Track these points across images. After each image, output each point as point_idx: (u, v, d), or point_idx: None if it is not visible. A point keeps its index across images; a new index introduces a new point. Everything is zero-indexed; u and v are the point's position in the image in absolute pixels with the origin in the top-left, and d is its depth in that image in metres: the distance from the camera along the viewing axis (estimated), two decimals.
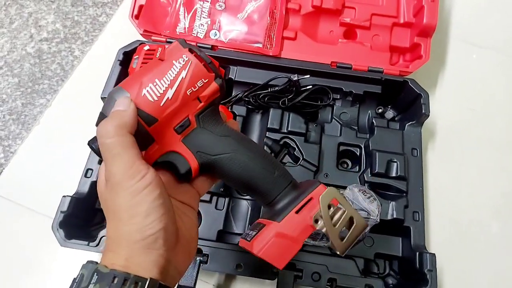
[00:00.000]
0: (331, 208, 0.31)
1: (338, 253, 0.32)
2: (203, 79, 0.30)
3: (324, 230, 0.31)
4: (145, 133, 0.30)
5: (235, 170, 0.33)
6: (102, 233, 0.52)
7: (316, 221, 0.31)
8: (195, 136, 0.32)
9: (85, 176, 0.57)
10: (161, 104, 0.29)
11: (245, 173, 0.33)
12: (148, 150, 0.31)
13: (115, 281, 0.27)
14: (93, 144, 0.31)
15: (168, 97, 0.29)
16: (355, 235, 0.32)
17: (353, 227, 0.32)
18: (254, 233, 0.32)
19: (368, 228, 0.51)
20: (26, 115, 0.72)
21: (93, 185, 0.57)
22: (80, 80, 0.73)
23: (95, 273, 0.27)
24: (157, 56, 0.60)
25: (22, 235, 0.61)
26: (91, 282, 0.27)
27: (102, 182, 0.32)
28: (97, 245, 0.51)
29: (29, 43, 0.79)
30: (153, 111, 0.29)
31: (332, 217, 0.31)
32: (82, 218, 0.56)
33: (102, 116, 0.31)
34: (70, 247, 0.51)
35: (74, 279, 0.29)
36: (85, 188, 0.56)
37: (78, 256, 0.57)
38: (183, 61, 0.30)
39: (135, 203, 0.28)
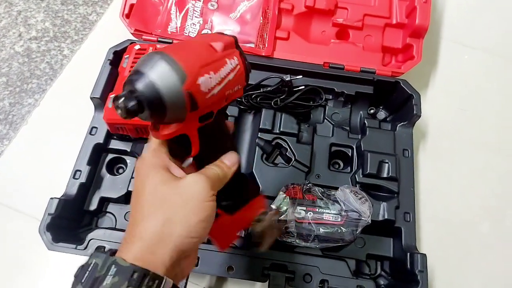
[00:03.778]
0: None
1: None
2: (239, 85, 0.33)
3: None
4: (183, 114, 0.30)
5: None
6: (90, 235, 0.51)
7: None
8: (207, 128, 0.33)
9: (74, 177, 0.56)
10: (207, 97, 0.30)
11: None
12: (171, 127, 0.31)
13: (134, 276, 0.26)
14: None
15: (214, 93, 0.30)
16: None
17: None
18: None
19: (360, 229, 0.51)
20: (14, 115, 0.70)
21: (82, 186, 0.56)
22: (69, 80, 0.72)
23: (113, 265, 0.27)
24: None
25: (9, 238, 0.60)
26: (109, 274, 0.27)
27: (161, 170, 0.32)
28: (85, 248, 0.50)
29: (18, 42, 0.77)
30: (199, 100, 0.29)
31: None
32: (71, 220, 0.55)
33: (138, 74, 0.28)
34: (58, 251, 0.50)
35: (83, 266, 0.28)
36: (74, 190, 0.55)
37: (68, 258, 0.56)
38: (234, 63, 0.32)
39: (203, 206, 0.31)
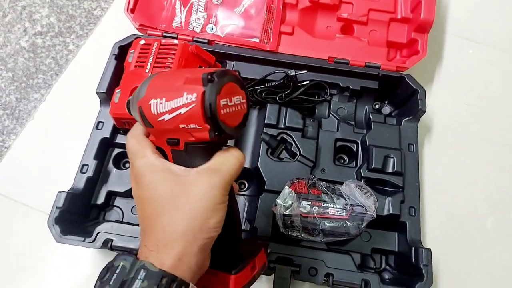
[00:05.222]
0: None
1: None
2: (196, 125, 0.30)
3: None
4: (145, 127, 0.34)
5: None
6: (98, 229, 0.52)
7: None
8: (180, 155, 0.33)
9: (81, 171, 0.56)
10: (158, 119, 0.31)
11: None
12: (150, 136, 0.35)
13: (163, 282, 0.27)
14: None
15: (164, 118, 0.31)
16: None
17: None
18: None
19: (365, 223, 0.51)
20: (21, 110, 0.71)
21: (89, 180, 0.56)
22: (75, 75, 0.73)
23: (142, 269, 0.27)
24: (153, 50, 0.59)
25: (17, 231, 0.61)
26: (138, 278, 0.27)
27: (166, 172, 0.32)
28: (93, 241, 0.51)
29: (23, 37, 0.77)
30: (149, 119, 0.32)
31: None
32: (78, 214, 0.55)
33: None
34: (66, 243, 0.50)
35: (109, 268, 0.29)
36: (81, 184, 0.55)
37: (74, 252, 0.57)
38: (190, 99, 0.30)
39: (218, 208, 0.30)
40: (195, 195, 0.30)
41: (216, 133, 0.31)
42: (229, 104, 0.31)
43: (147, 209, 0.31)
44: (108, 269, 0.28)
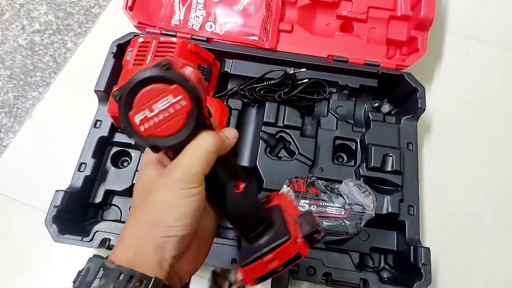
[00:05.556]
0: None
1: None
2: None
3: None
4: None
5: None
6: (96, 228, 0.52)
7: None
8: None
9: (79, 170, 0.56)
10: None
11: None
12: None
13: (121, 278, 0.27)
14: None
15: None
16: None
17: None
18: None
19: (364, 222, 0.51)
20: (18, 108, 0.71)
21: (87, 179, 0.56)
22: (73, 73, 0.72)
23: (101, 268, 0.27)
24: (151, 48, 0.58)
25: (15, 230, 0.61)
26: (97, 277, 0.27)
27: (151, 167, 0.32)
28: (91, 240, 0.51)
29: (21, 35, 0.77)
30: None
31: None
32: (76, 212, 0.55)
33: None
34: (64, 243, 0.50)
35: (80, 271, 0.29)
36: (79, 183, 0.55)
37: (73, 251, 0.57)
38: None
39: (177, 204, 0.29)
40: (156, 190, 0.30)
41: (154, 149, 0.29)
42: (150, 115, 0.27)
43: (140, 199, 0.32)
44: (78, 273, 0.29)
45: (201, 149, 0.29)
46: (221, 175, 0.32)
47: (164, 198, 0.29)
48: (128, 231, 0.30)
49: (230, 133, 0.33)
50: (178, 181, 0.29)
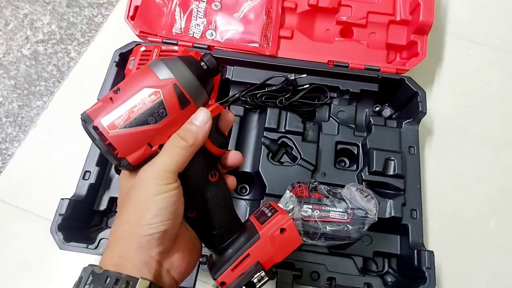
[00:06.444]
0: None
1: None
2: None
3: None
4: None
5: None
6: (101, 235, 0.52)
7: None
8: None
9: (83, 178, 0.57)
10: None
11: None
12: None
13: (107, 281, 0.28)
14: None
15: None
16: None
17: None
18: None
19: (366, 226, 0.51)
20: (23, 117, 0.71)
21: (91, 187, 0.57)
22: (76, 82, 0.73)
23: (91, 274, 0.28)
24: (153, 57, 0.59)
25: (20, 238, 0.61)
26: (87, 283, 0.28)
27: (127, 173, 0.33)
28: (96, 247, 0.51)
29: (25, 45, 0.78)
30: None
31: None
32: (81, 220, 0.56)
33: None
34: (69, 250, 0.51)
35: (75, 282, 0.30)
36: (83, 191, 0.56)
37: (78, 258, 0.57)
38: None
39: (153, 201, 0.29)
40: (134, 190, 0.31)
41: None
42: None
43: (121, 202, 0.33)
44: (74, 284, 0.30)
45: (176, 148, 0.31)
46: (197, 165, 0.33)
47: (142, 196, 0.30)
48: (113, 236, 0.31)
49: (200, 120, 0.32)
50: (153, 179, 0.30)
